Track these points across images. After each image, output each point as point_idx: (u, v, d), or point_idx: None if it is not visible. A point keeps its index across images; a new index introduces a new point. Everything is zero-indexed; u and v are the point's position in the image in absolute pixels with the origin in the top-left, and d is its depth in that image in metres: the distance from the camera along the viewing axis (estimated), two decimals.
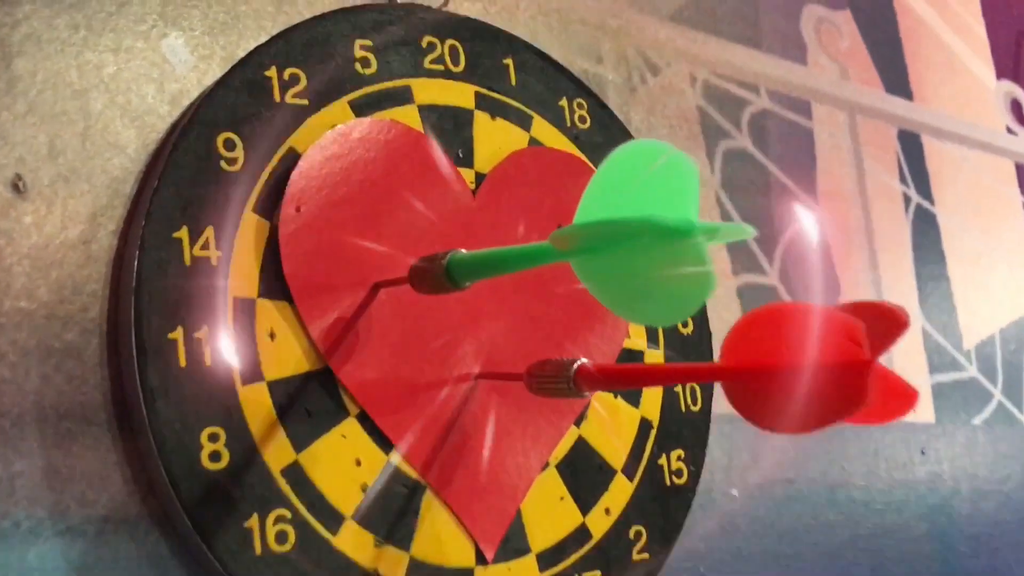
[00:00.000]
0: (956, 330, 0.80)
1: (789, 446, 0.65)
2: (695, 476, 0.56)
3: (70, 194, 0.40)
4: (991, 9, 0.95)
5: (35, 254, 0.39)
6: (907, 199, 0.80)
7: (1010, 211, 0.90)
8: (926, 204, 0.82)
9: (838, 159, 0.75)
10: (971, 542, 0.75)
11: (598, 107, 0.57)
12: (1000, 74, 0.93)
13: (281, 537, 0.41)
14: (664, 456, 0.55)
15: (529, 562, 0.48)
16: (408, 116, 0.49)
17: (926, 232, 0.81)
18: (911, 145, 0.82)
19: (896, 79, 0.83)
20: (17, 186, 0.39)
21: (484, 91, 0.52)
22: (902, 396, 0.34)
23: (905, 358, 0.75)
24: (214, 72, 0.46)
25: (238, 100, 0.44)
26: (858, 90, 0.79)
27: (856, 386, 0.31)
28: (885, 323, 0.33)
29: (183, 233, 0.41)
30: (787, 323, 0.33)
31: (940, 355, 0.78)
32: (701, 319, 0.58)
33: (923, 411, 0.75)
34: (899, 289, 0.77)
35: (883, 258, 0.76)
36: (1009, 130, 0.92)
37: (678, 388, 0.56)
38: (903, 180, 0.80)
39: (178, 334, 0.41)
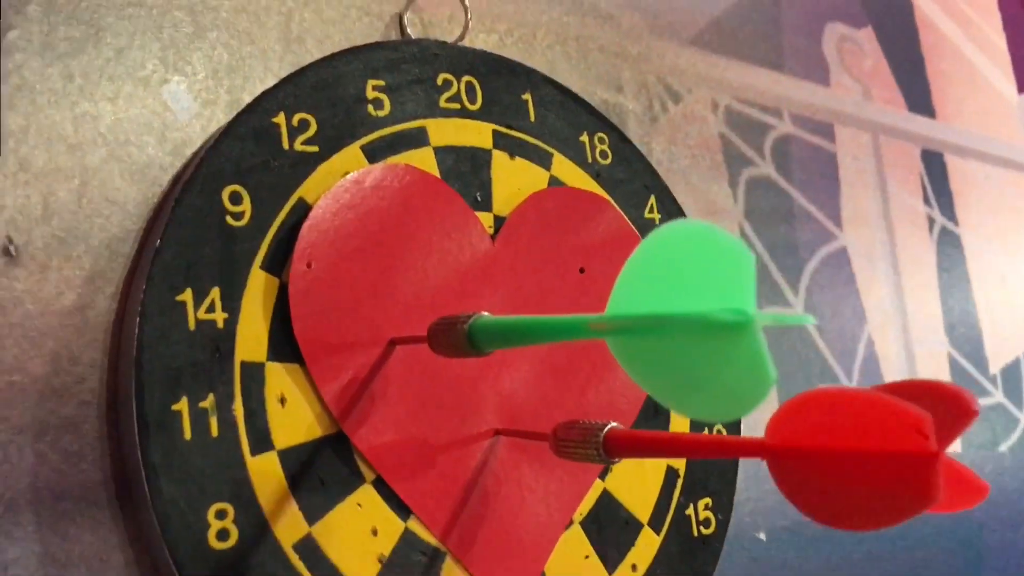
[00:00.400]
0: (982, 355, 0.78)
1: None
2: (723, 525, 0.54)
3: (66, 257, 0.38)
4: (1012, 23, 0.92)
5: (28, 323, 0.37)
6: (931, 221, 0.78)
7: None
8: (950, 226, 0.79)
9: (862, 183, 0.72)
10: (1001, 573, 0.72)
11: (620, 141, 0.54)
12: (1022, 88, 0.90)
13: None
14: (691, 506, 0.53)
15: None
16: (424, 159, 0.47)
17: (951, 255, 0.79)
18: (934, 165, 0.80)
19: (919, 97, 0.80)
20: (8, 250, 0.36)
21: (502, 129, 0.50)
22: (970, 489, 0.31)
23: None
24: (219, 119, 0.43)
25: (244, 149, 0.41)
26: (881, 110, 0.76)
27: (924, 481, 0.29)
28: (948, 408, 0.31)
29: (187, 296, 0.39)
30: (844, 408, 0.31)
31: (966, 382, 0.76)
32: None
33: None
34: (925, 315, 0.74)
35: (908, 283, 0.74)
36: None
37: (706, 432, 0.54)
38: (927, 202, 0.78)
39: (182, 405, 0.38)
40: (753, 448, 0.37)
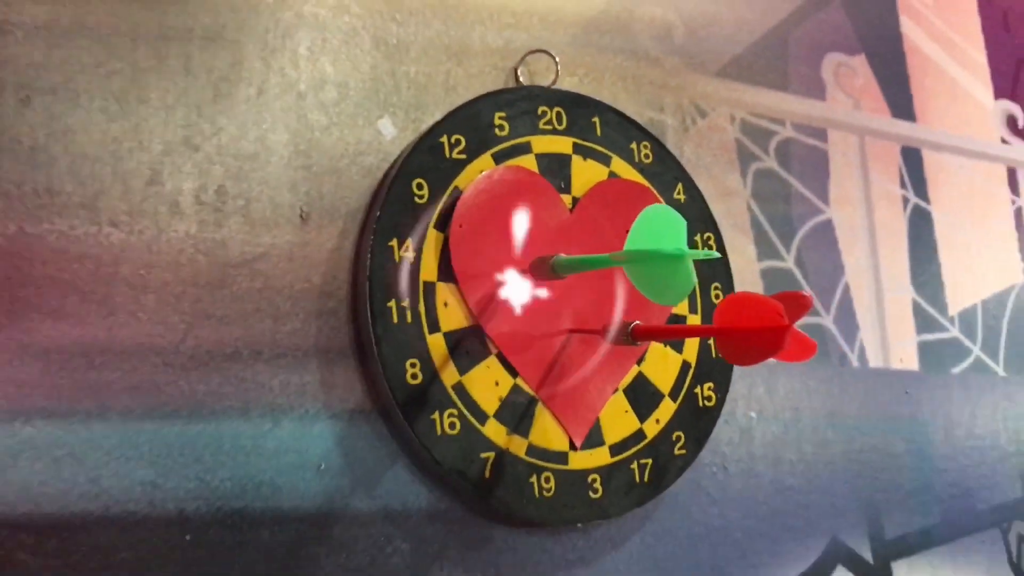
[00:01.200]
0: (943, 301, 1.04)
1: (797, 384, 0.90)
2: (721, 401, 0.82)
3: (330, 220, 0.68)
4: (993, 41, 1.16)
5: (311, 256, 0.67)
6: (905, 200, 1.04)
7: (1000, 208, 1.13)
8: (923, 204, 1.05)
9: (848, 173, 0.99)
10: (943, 460, 0.98)
11: (658, 147, 0.83)
12: (999, 95, 1.15)
13: (452, 426, 0.69)
14: (699, 386, 0.81)
15: (603, 451, 0.75)
16: (528, 162, 0.76)
17: (921, 226, 1.04)
18: (912, 158, 1.06)
19: (902, 106, 1.06)
20: (303, 216, 0.67)
21: (579, 141, 0.79)
22: (808, 346, 0.59)
23: (897, 322, 1.00)
24: (408, 139, 0.73)
25: (424, 158, 0.71)
26: (868, 117, 1.02)
27: (778, 340, 0.57)
28: (799, 303, 0.59)
29: (394, 243, 0.69)
30: (746, 304, 0.59)
31: (927, 320, 1.02)
32: (729, 294, 0.84)
33: (909, 362, 0.99)
34: (894, 270, 1.01)
35: (882, 246, 1.00)
36: (1003, 140, 1.15)
37: (710, 339, 0.82)
38: (903, 185, 1.04)
39: (392, 304, 0.68)
40: (706, 330, 0.66)
